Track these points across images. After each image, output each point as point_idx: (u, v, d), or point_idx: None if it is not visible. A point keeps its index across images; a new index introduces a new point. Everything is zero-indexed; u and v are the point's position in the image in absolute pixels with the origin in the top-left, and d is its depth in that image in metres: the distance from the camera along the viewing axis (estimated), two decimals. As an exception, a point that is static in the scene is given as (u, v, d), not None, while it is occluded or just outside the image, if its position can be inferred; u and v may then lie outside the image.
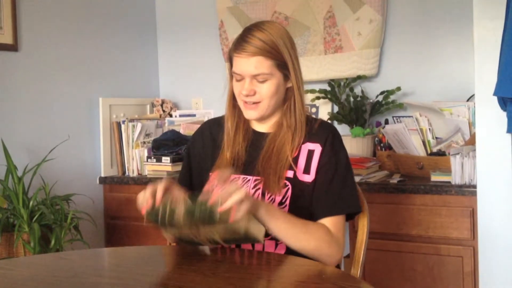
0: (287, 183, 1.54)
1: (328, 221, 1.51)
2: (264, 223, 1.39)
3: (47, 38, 2.81)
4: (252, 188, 1.56)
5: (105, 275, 1.41)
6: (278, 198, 1.53)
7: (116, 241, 2.95)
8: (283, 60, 1.54)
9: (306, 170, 1.55)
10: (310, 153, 1.56)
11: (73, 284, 1.29)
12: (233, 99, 1.63)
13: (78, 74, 2.96)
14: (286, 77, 1.57)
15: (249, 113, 1.58)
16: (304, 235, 1.46)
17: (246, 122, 1.65)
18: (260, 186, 1.55)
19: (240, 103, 1.59)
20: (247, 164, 1.60)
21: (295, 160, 1.56)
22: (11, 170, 2.40)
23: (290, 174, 1.55)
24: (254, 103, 1.56)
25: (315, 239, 1.47)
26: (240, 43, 1.53)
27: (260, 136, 1.63)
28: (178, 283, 1.30)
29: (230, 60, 1.59)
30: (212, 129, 1.70)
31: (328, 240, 1.48)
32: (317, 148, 1.56)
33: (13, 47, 2.63)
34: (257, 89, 1.54)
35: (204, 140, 1.70)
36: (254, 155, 1.60)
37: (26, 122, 2.70)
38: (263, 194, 1.54)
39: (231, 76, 1.60)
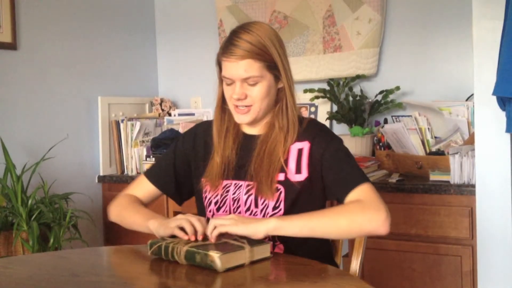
0: (279, 186, 1.52)
1: (354, 194, 1.45)
2: (281, 233, 1.39)
3: (46, 37, 2.81)
4: (245, 194, 1.53)
5: (104, 273, 1.41)
6: (272, 203, 1.51)
7: (115, 239, 2.95)
8: (272, 61, 1.52)
9: (298, 170, 1.53)
10: (299, 152, 1.54)
11: (72, 282, 1.28)
12: (222, 102, 1.60)
13: (77, 73, 2.96)
14: (277, 77, 1.54)
15: (241, 118, 1.56)
16: (329, 219, 1.41)
17: (236, 125, 1.62)
18: (253, 191, 1.52)
19: (231, 107, 1.56)
20: (238, 169, 1.57)
21: (285, 161, 1.53)
22: (10, 169, 2.40)
23: (281, 177, 1.52)
24: (245, 106, 1.53)
25: (343, 216, 1.41)
26: (228, 47, 1.51)
27: (251, 138, 1.60)
28: (177, 281, 1.30)
29: (219, 64, 1.56)
30: (206, 132, 1.66)
31: (359, 207, 1.41)
32: (305, 145, 1.54)
33: (12, 46, 2.63)
34: (248, 93, 1.52)
35: (196, 142, 1.67)
36: (246, 159, 1.57)
37: (25, 121, 2.70)
38: (255, 200, 1.52)
39: (221, 80, 1.58)
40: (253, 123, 1.58)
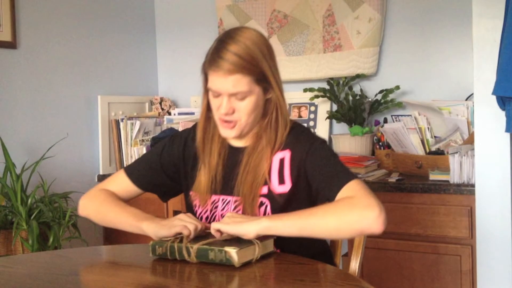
0: (264, 200, 1.48)
1: (343, 194, 1.37)
2: (272, 233, 1.35)
3: (46, 35, 2.81)
4: (233, 210, 1.50)
5: (104, 272, 1.41)
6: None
7: (115, 238, 2.95)
8: (262, 73, 1.44)
9: (281, 181, 1.48)
10: (281, 161, 1.49)
11: (71, 281, 1.29)
12: (207, 110, 1.53)
13: (77, 71, 2.96)
14: (266, 89, 1.47)
15: (226, 132, 1.49)
16: (318, 218, 1.34)
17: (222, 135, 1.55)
18: (240, 207, 1.48)
19: (217, 119, 1.49)
20: (225, 183, 1.52)
21: (268, 173, 1.48)
22: (9, 168, 2.40)
23: (265, 190, 1.48)
24: (232, 120, 1.47)
25: (331, 215, 1.33)
26: (215, 60, 1.43)
27: (237, 150, 1.54)
28: (177, 280, 1.30)
29: (205, 74, 1.48)
30: (195, 140, 1.58)
31: (348, 205, 1.33)
32: (286, 154, 1.49)
33: (11, 45, 2.63)
34: (236, 107, 1.45)
35: (186, 150, 1.60)
36: (232, 173, 1.51)
37: (25, 120, 2.70)
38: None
39: (206, 90, 1.50)
40: (239, 137, 1.53)
